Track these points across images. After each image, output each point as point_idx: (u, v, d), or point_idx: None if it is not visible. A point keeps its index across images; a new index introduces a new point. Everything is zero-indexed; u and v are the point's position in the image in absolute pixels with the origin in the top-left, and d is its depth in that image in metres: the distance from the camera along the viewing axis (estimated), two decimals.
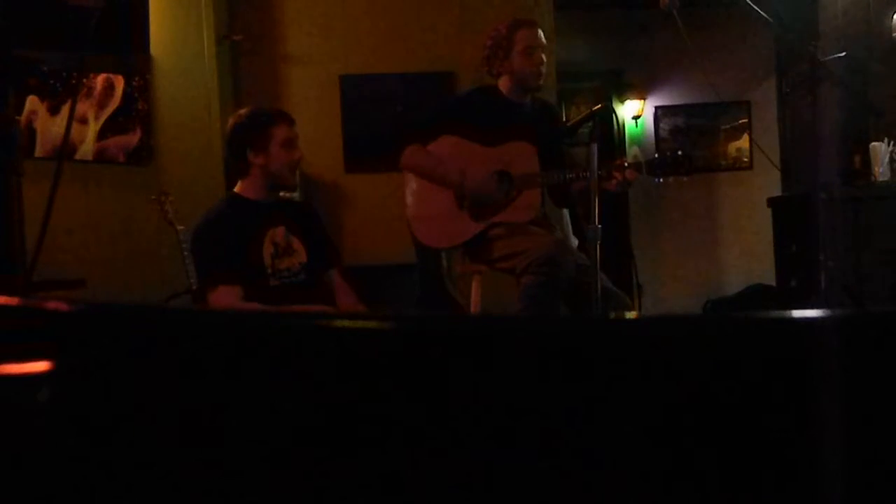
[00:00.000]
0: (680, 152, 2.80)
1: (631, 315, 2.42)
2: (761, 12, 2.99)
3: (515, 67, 2.89)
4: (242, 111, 2.59)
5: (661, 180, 2.80)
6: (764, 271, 5.66)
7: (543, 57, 2.90)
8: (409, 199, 2.97)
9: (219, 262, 2.42)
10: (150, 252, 4.04)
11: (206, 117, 4.24)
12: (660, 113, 6.56)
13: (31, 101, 4.06)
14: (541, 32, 2.92)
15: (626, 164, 2.74)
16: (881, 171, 4.18)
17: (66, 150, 3.48)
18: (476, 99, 3.03)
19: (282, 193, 2.69)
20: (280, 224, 2.54)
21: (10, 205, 2.50)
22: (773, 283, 5.29)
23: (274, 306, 2.42)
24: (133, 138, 4.21)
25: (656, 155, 2.87)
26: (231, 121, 2.57)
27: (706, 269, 6.47)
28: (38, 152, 4.07)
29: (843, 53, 4.40)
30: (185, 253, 3.59)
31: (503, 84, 2.95)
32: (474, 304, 3.04)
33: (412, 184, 2.97)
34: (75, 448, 0.56)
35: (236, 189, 2.58)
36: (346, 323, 0.59)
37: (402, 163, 2.96)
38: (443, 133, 2.92)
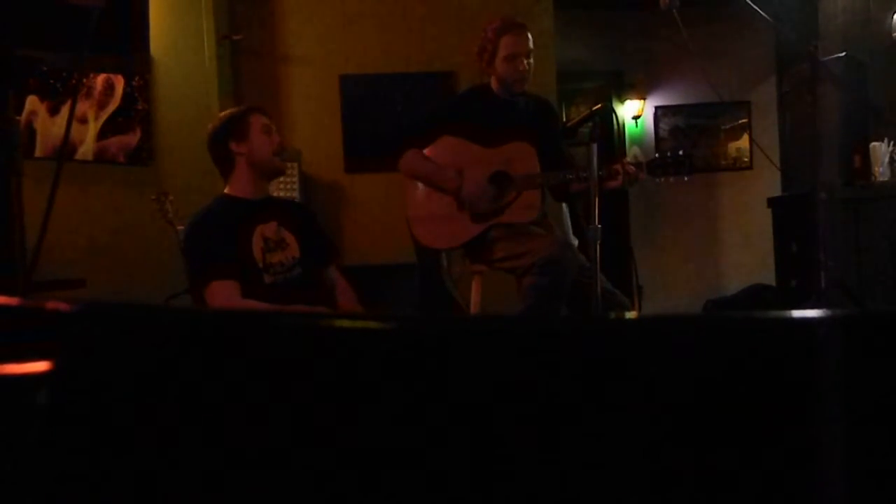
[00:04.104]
0: (681, 152, 2.79)
1: (631, 315, 2.42)
2: (761, 12, 2.99)
3: (499, 72, 2.88)
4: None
5: (662, 180, 2.79)
6: (764, 271, 5.66)
7: (529, 62, 2.86)
8: (410, 200, 2.97)
9: (210, 259, 2.40)
10: (150, 252, 4.03)
11: (206, 117, 4.23)
12: (660, 113, 6.57)
13: (31, 101, 4.05)
14: (528, 36, 2.88)
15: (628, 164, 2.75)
16: (881, 171, 4.18)
17: (66, 150, 3.49)
18: (472, 99, 3.03)
19: (277, 194, 2.70)
20: (271, 219, 2.52)
21: (10, 205, 2.50)
22: (773, 283, 5.29)
23: (272, 304, 2.40)
24: (133, 138, 4.21)
25: (657, 155, 2.86)
26: (209, 126, 2.61)
27: (706, 269, 6.47)
28: (38, 152, 4.07)
29: (843, 53, 4.40)
30: None
31: (493, 84, 2.95)
32: (474, 304, 3.04)
33: (412, 185, 2.96)
34: (75, 448, 0.56)
35: (225, 190, 2.58)
36: (346, 323, 0.59)
37: (400, 168, 2.96)
38: (442, 134, 2.92)
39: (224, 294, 2.35)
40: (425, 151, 2.93)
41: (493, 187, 2.86)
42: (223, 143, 2.53)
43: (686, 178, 2.77)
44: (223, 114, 2.64)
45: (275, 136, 2.56)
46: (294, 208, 2.77)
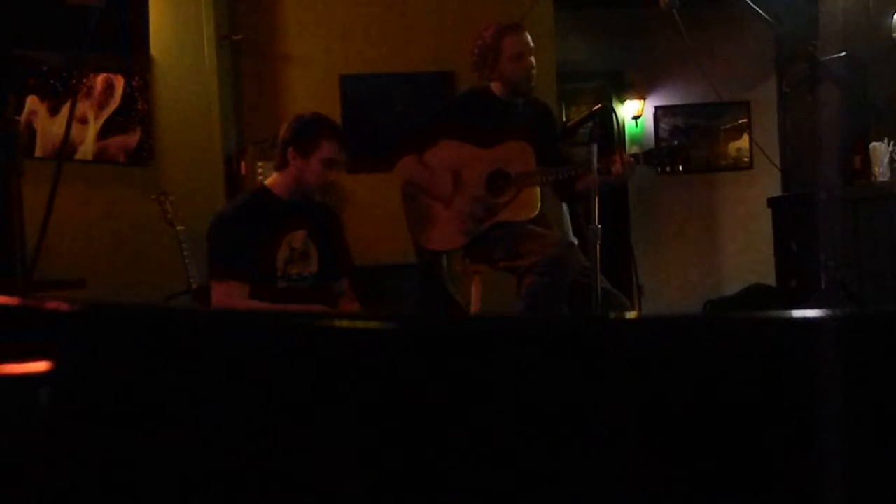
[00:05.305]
0: (676, 142, 2.81)
1: (631, 315, 2.42)
2: (761, 12, 2.99)
3: (506, 74, 2.89)
4: (308, 113, 2.61)
5: (659, 170, 2.81)
6: (764, 271, 5.65)
7: (533, 60, 2.90)
8: (408, 203, 2.97)
9: (232, 258, 2.44)
10: (150, 252, 4.03)
11: (206, 117, 4.24)
12: (660, 113, 6.56)
13: (31, 101, 4.05)
14: (527, 36, 2.91)
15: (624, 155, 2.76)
16: (881, 171, 4.18)
17: (66, 150, 3.48)
18: (470, 101, 3.03)
19: None
20: (302, 228, 2.54)
21: (10, 205, 2.51)
22: (773, 283, 5.29)
23: (277, 305, 2.45)
24: (133, 138, 4.21)
25: (654, 146, 2.89)
26: (295, 116, 2.60)
27: (706, 269, 6.46)
28: (38, 152, 4.07)
29: (843, 53, 4.40)
30: (185, 253, 3.59)
31: (496, 87, 2.95)
32: (474, 304, 3.04)
33: (410, 188, 2.97)
34: (75, 448, 0.56)
35: (268, 182, 2.60)
36: (347, 323, 0.59)
37: (396, 175, 2.97)
38: (440, 138, 2.92)
39: (231, 295, 2.40)
40: (424, 154, 2.93)
41: (481, 205, 2.85)
42: (286, 144, 2.52)
43: (681, 168, 2.78)
44: (308, 115, 2.59)
45: (332, 173, 2.53)
46: (325, 216, 2.72)
